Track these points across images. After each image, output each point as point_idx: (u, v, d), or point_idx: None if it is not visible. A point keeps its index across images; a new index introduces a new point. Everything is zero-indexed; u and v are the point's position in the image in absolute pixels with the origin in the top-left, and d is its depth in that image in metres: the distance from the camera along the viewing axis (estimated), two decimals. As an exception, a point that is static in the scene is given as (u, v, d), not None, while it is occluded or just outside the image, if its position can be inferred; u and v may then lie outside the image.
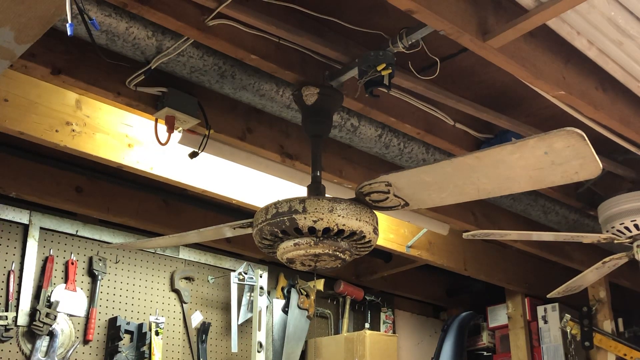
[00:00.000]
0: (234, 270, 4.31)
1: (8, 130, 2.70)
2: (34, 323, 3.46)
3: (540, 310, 4.85)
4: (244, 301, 4.29)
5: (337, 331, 4.75)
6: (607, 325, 4.54)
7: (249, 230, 2.42)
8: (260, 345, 4.13)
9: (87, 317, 3.70)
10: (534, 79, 2.45)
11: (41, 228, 3.64)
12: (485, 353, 5.13)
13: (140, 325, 3.85)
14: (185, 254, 4.20)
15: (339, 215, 2.14)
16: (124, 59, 2.44)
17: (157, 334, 3.87)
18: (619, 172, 3.45)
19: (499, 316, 5.07)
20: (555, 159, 1.80)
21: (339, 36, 2.53)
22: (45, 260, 3.63)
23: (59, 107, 2.78)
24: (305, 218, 2.13)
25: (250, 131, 2.87)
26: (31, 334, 3.48)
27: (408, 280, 5.06)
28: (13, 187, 3.33)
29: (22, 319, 3.47)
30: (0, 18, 1.67)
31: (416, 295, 5.28)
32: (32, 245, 3.59)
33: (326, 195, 2.34)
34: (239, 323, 4.26)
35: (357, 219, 2.17)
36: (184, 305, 4.12)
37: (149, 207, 3.73)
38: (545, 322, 4.81)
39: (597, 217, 3.57)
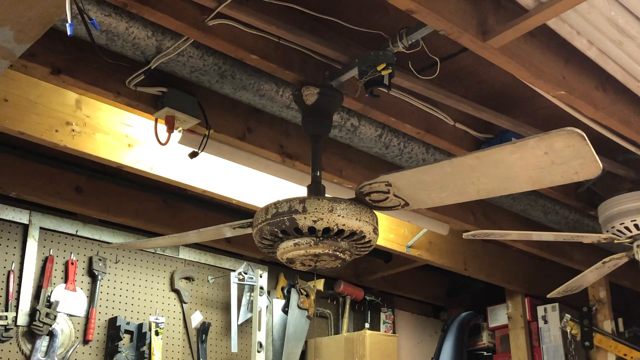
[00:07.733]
0: (234, 270, 4.31)
1: (8, 130, 2.70)
2: (34, 323, 3.46)
3: (540, 310, 4.85)
4: (244, 301, 4.29)
5: (337, 331, 4.75)
6: (607, 325, 4.54)
7: (249, 230, 2.42)
8: (260, 345, 4.12)
9: (87, 317, 3.70)
10: (534, 78, 2.45)
11: (41, 228, 3.64)
12: (485, 353, 5.13)
13: (140, 325, 3.85)
14: (185, 254, 4.19)
15: (339, 215, 2.14)
16: (124, 59, 2.44)
17: (157, 334, 3.87)
18: (619, 172, 3.45)
19: (499, 316, 5.06)
20: (555, 159, 1.80)
21: (339, 36, 2.52)
22: (45, 260, 3.63)
23: (59, 107, 2.78)
24: (305, 218, 2.13)
25: (250, 131, 2.87)
26: (31, 334, 3.48)
27: (408, 280, 5.06)
28: (13, 187, 3.33)
29: (22, 319, 3.46)
30: (0, 18, 1.67)
31: (416, 295, 5.28)
32: (32, 245, 3.59)
33: (326, 195, 2.34)
34: (239, 323, 4.25)
35: (357, 219, 2.17)
36: (183, 305, 4.12)
37: (149, 207, 3.73)
38: (545, 322, 4.81)
39: (597, 217, 3.57)
